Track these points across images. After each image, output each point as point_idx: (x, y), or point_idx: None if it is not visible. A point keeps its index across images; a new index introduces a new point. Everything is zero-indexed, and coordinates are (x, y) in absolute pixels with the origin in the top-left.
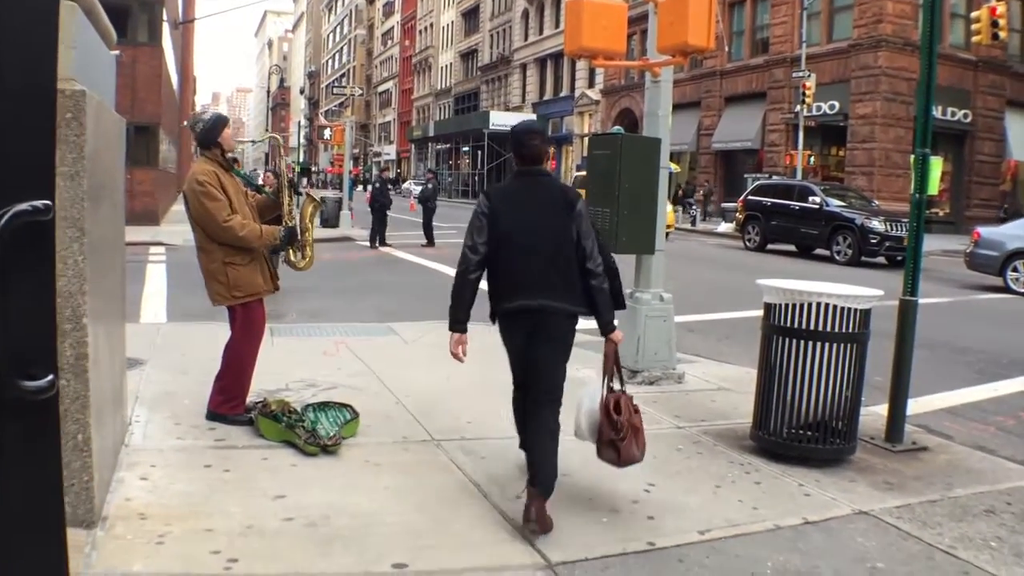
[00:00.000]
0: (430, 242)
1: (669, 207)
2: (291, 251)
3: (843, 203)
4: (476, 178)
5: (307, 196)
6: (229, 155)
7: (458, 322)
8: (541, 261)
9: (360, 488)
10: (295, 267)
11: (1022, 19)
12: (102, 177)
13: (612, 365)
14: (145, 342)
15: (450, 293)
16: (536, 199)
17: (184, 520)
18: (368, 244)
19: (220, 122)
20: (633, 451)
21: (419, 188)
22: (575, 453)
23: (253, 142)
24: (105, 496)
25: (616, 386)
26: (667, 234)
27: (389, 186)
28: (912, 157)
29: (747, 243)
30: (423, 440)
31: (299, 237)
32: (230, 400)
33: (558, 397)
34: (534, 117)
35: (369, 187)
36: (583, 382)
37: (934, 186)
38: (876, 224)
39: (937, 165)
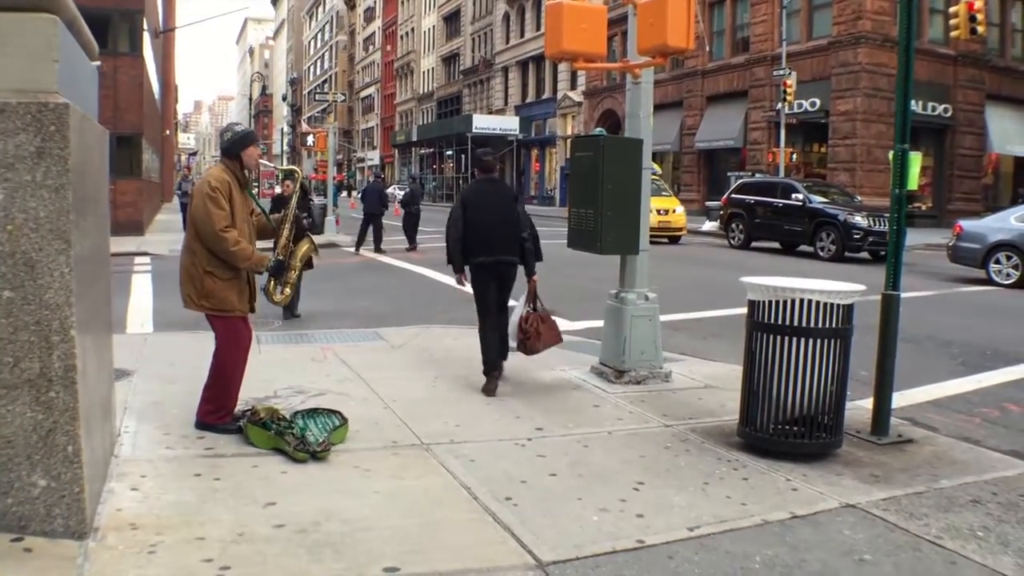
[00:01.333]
0: (412, 246)
1: (680, 208)
2: (272, 283)
3: (826, 199)
4: (460, 181)
5: (307, 238)
6: (248, 172)
7: (458, 270)
8: (496, 232)
9: (350, 493)
10: (270, 298)
11: (1000, 13)
12: (87, 189)
13: (531, 295)
14: (132, 352)
15: (447, 255)
16: (493, 194)
17: (175, 529)
18: (353, 250)
19: (248, 138)
20: (536, 345)
21: (402, 193)
22: (565, 455)
23: (278, 169)
24: (96, 507)
25: (531, 308)
26: (678, 237)
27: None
28: (891, 153)
29: (731, 241)
30: (412, 444)
31: (285, 273)
32: (218, 410)
33: (505, 310)
34: (517, 120)
35: (356, 193)
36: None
37: (914, 181)
38: (859, 220)
39: (916, 161)
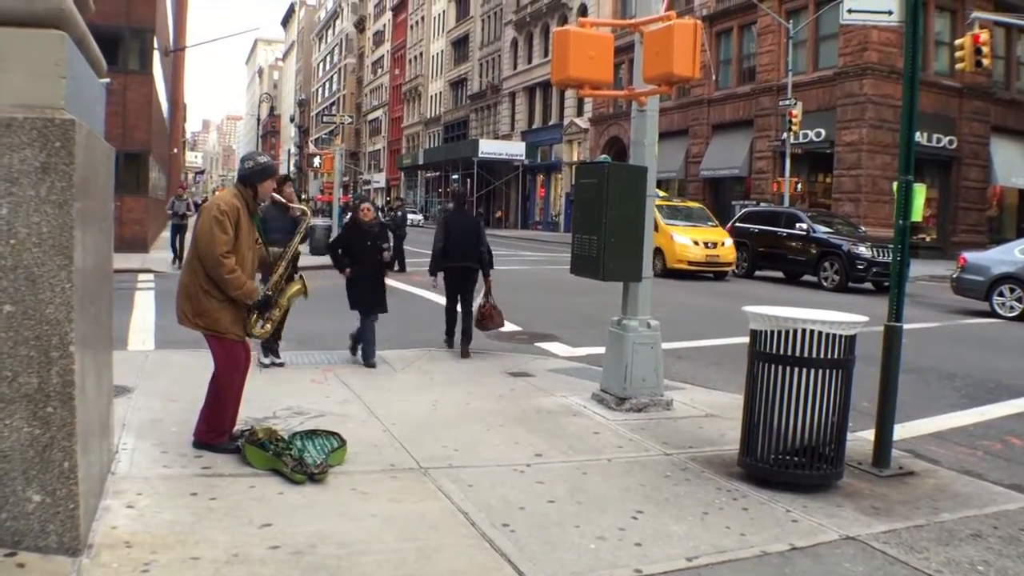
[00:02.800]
0: (401, 268)
1: (729, 241)
2: (255, 316)
3: (830, 229)
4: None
5: (300, 279)
6: (261, 202)
7: (435, 272)
8: (465, 246)
9: (347, 516)
10: (250, 331)
11: (1006, 46)
12: (91, 205)
13: (488, 290)
14: (133, 369)
15: (430, 261)
16: (464, 219)
17: (170, 548)
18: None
19: (267, 171)
20: (489, 325)
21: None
22: (563, 482)
23: (289, 205)
24: (91, 524)
25: (486, 300)
26: (725, 273)
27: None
28: (895, 184)
29: (735, 270)
30: (410, 468)
31: (269, 309)
32: (214, 430)
33: (469, 301)
34: (523, 145)
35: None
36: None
37: (918, 213)
38: (863, 250)
39: (921, 192)
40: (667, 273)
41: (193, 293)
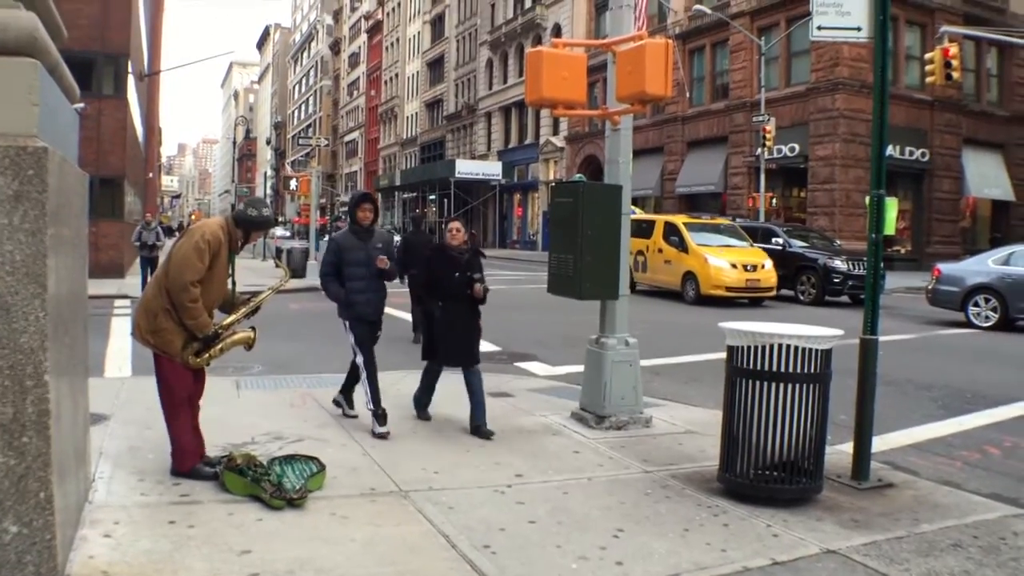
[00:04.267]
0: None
1: (769, 263)
2: (194, 346)
3: (806, 244)
4: (442, 226)
5: (251, 330)
6: (242, 244)
7: (402, 275)
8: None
9: (327, 541)
10: (184, 359)
11: (976, 59)
12: (64, 232)
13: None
14: (109, 396)
15: (395, 271)
16: (421, 238)
17: None
18: None
19: (259, 223)
20: None
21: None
22: (544, 502)
23: (276, 268)
24: (68, 554)
25: None
26: (762, 299)
27: None
28: (868, 199)
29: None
30: (390, 491)
31: (210, 347)
32: (175, 453)
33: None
34: (500, 165)
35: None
36: None
37: (891, 226)
38: (839, 263)
39: (892, 206)
40: (702, 300)
41: (153, 309)
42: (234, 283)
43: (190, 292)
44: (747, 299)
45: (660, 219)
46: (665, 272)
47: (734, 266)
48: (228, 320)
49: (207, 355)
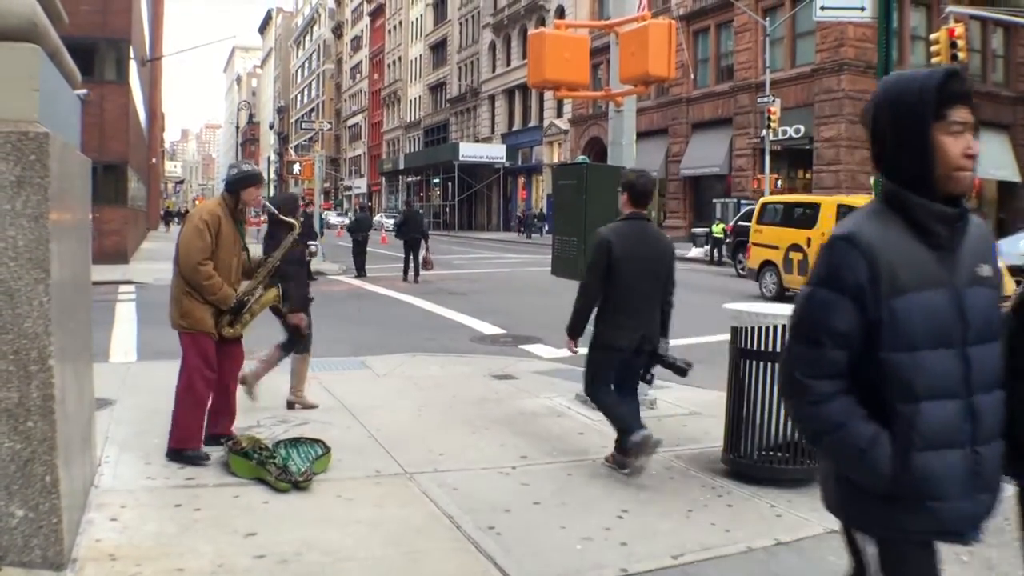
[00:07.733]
0: (360, 273)
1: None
2: (226, 318)
3: None
4: (447, 209)
5: (276, 287)
6: (250, 209)
7: (400, 238)
8: (414, 226)
9: (332, 523)
10: (220, 332)
11: (982, 40)
12: (67, 217)
13: (427, 248)
14: (115, 381)
15: (396, 234)
16: (415, 212)
17: (155, 560)
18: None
19: (249, 179)
20: (428, 267)
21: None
22: (549, 483)
23: (282, 218)
24: (75, 538)
25: (426, 253)
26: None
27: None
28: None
29: (739, 270)
30: (395, 473)
31: (242, 313)
32: (178, 431)
33: (418, 256)
34: (503, 147)
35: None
36: None
37: None
38: None
39: None
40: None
41: (177, 296)
42: (247, 250)
43: (200, 271)
44: None
45: (829, 201)
46: None
47: None
48: (249, 286)
49: (239, 324)
